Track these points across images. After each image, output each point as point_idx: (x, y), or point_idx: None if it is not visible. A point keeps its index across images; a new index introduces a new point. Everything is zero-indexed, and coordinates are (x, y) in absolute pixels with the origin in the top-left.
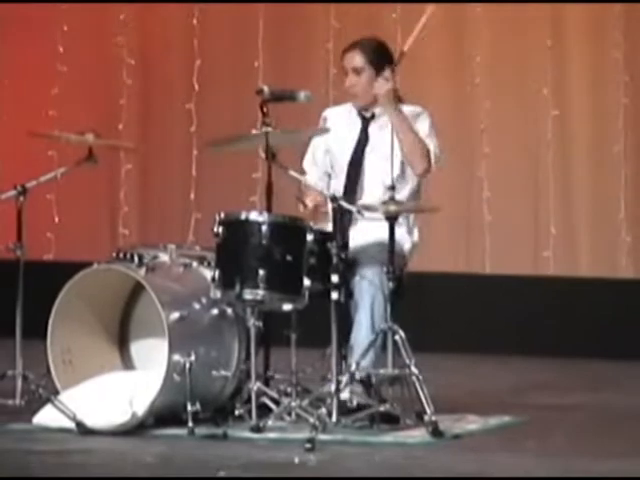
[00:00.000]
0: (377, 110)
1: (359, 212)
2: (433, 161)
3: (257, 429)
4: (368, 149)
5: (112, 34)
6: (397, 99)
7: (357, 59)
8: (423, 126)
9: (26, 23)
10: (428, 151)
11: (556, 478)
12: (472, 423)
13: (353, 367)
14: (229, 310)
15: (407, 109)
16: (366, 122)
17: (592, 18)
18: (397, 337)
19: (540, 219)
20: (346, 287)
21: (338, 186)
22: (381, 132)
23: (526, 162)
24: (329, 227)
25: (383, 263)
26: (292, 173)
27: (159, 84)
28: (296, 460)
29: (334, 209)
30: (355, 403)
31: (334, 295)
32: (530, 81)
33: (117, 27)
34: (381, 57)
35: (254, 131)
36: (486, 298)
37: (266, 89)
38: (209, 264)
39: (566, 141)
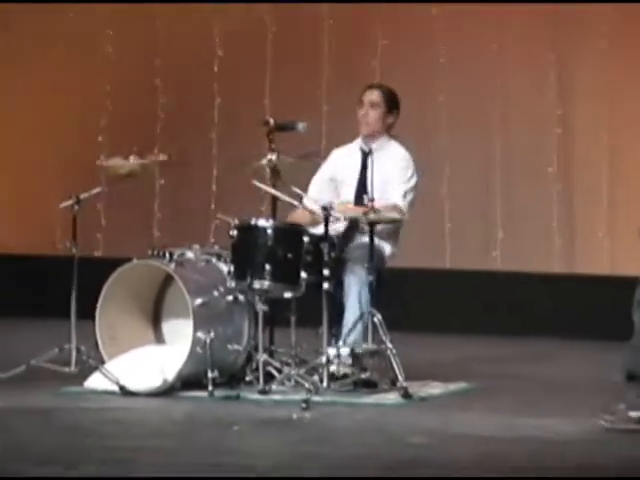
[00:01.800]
0: (374, 146)
1: (345, 219)
2: (405, 209)
3: (263, 392)
4: (368, 176)
5: (151, 77)
6: (390, 137)
7: (376, 95)
8: (406, 173)
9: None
10: (398, 208)
11: (501, 431)
12: (435, 388)
13: (340, 343)
14: (241, 297)
15: (395, 147)
16: (365, 156)
17: (529, 64)
18: (376, 319)
19: (490, 227)
20: (337, 280)
21: (346, 197)
22: (377, 163)
23: (479, 182)
24: (321, 230)
25: (365, 262)
26: (294, 189)
27: (187, 118)
28: (294, 417)
29: (325, 216)
30: (342, 372)
31: (325, 285)
32: (483, 115)
33: (154, 71)
34: (393, 101)
35: (263, 161)
36: (448, 288)
37: (271, 121)
38: (225, 260)
39: (511, 164)
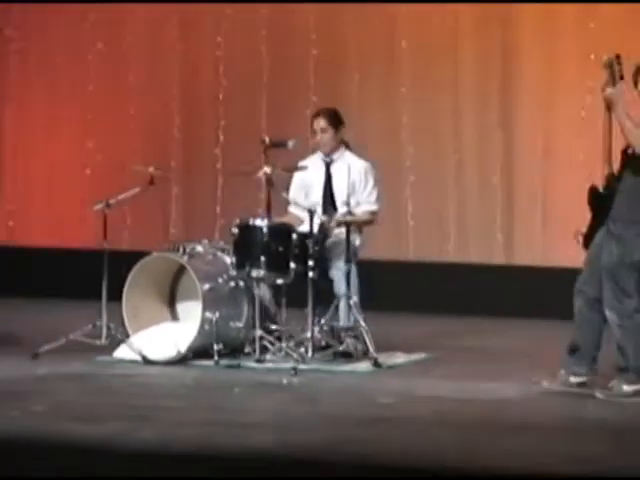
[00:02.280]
0: (334, 157)
1: (327, 219)
2: (377, 209)
3: (259, 361)
4: (333, 181)
5: (169, 104)
6: (346, 147)
7: (322, 122)
8: (369, 182)
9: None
10: (372, 213)
11: (454, 393)
12: (399, 358)
13: (322, 321)
14: (241, 283)
15: (350, 156)
16: (327, 165)
17: (477, 94)
18: (351, 301)
19: (444, 224)
20: (321, 269)
21: (315, 201)
22: (338, 170)
23: (436, 189)
24: (306, 229)
25: (344, 254)
26: (284, 195)
27: (196, 136)
28: (284, 381)
29: (311, 216)
30: (324, 344)
31: (310, 274)
32: (439, 131)
33: (172, 99)
34: (337, 120)
35: (260, 173)
36: (411, 275)
37: (267, 140)
38: (228, 253)
39: (461, 173)
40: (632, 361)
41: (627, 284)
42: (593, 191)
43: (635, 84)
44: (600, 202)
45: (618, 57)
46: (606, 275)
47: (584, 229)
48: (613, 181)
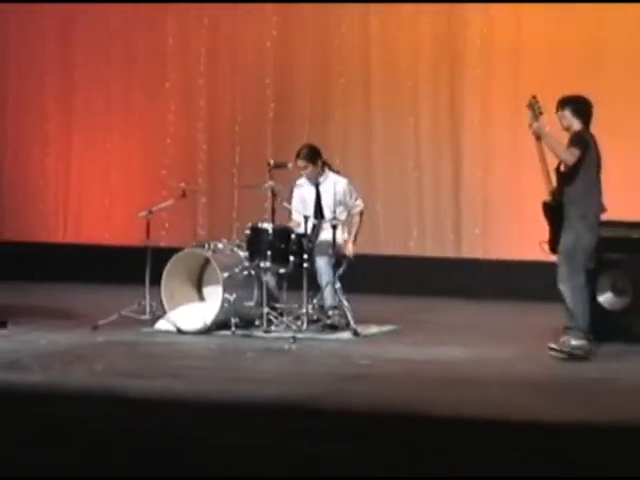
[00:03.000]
0: (320, 180)
1: (318, 223)
2: (363, 209)
3: (266, 331)
4: (322, 197)
5: (195, 134)
6: (329, 169)
7: (302, 162)
8: (353, 192)
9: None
10: (361, 211)
11: (419, 356)
12: (374, 329)
13: (314, 301)
14: (252, 272)
15: (334, 177)
16: (317, 185)
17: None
18: (337, 286)
19: (407, 228)
20: (311, 262)
21: (309, 212)
22: (325, 188)
23: (401, 199)
24: (302, 230)
25: (330, 251)
26: (285, 205)
27: (217, 159)
28: (286, 347)
29: (305, 222)
30: (315, 318)
31: (305, 264)
32: (405, 155)
33: (198, 131)
34: (315, 155)
35: (265, 184)
36: (382, 266)
37: (271, 162)
38: (242, 249)
39: (422, 189)
40: (580, 322)
41: (578, 264)
42: (545, 205)
43: (537, 115)
44: (553, 212)
45: (535, 97)
46: (564, 257)
47: (545, 239)
48: (557, 194)
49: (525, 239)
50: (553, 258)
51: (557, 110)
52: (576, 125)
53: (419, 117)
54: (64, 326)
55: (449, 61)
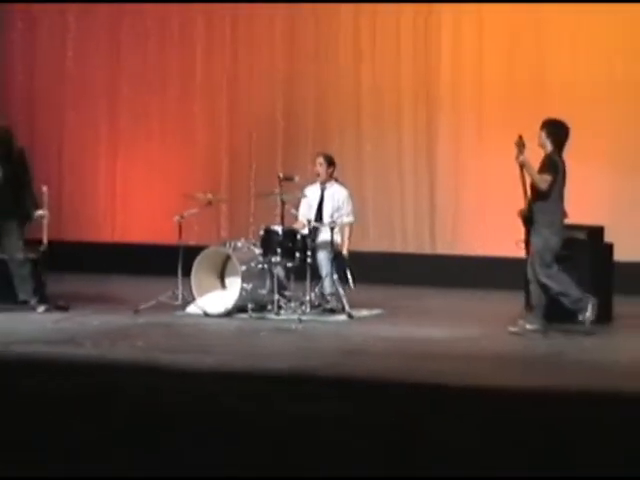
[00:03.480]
0: (327, 186)
1: (319, 225)
2: (352, 222)
3: (277, 314)
4: (324, 201)
5: (217, 151)
6: (335, 181)
7: (321, 159)
8: (349, 205)
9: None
10: (350, 223)
11: (402, 334)
12: (364, 312)
13: (316, 289)
14: (265, 265)
15: (337, 186)
16: (322, 191)
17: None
18: (335, 277)
19: (393, 230)
20: (313, 258)
21: (313, 214)
22: (329, 194)
23: (387, 209)
24: (306, 231)
25: (329, 248)
26: (292, 211)
27: (237, 173)
28: (293, 327)
29: (309, 224)
30: (317, 303)
31: (308, 259)
32: (391, 175)
33: (219, 148)
34: (330, 161)
35: (276, 194)
36: (370, 261)
37: (281, 175)
38: (257, 246)
39: (405, 202)
40: (573, 295)
41: (548, 260)
42: (522, 214)
43: (522, 150)
44: (528, 220)
45: (520, 137)
46: (536, 256)
47: (521, 238)
48: (531, 206)
49: (489, 238)
50: (511, 254)
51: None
52: (548, 147)
53: (401, 140)
54: (112, 310)
55: (425, 96)
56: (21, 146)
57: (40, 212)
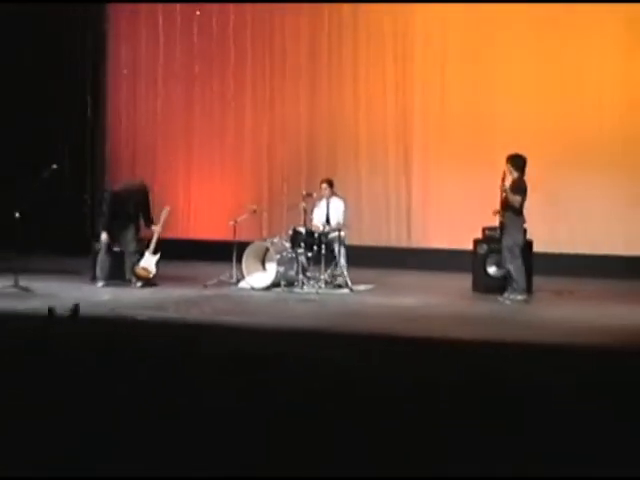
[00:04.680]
0: (331, 200)
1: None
2: (344, 224)
3: (301, 289)
4: (330, 211)
5: (259, 170)
6: (334, 195)
7: (325, 186)
8: (343, 213)
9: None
10: (342, 224)
11: (387, 302)
12: (362, 287)
13: (328, 271)
14: (293, 255)
15: (337, 200)
16: (327, 204)
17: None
18: (341, 261)
19: (383, 228)
20: (326, 249)
21: (323, 219)
22: (332, 206)
23: (375, 215)
24: (320, 231)
25: (337, 242)
26: (310, 217)
27: (273, 190)
28: (312, 297)
29: (323, 227)
30: (329, 281)
31: (322, 251)
32: (378, 186)
33: (259, 170)
34: (331, 184)
35: (301, 207)
36: (366, 251)
37: (304, 192)
38: (288, 241)
39: (389, 209)
40: (519, 284)
41: (516, 253)
42: (496, 213)
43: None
44: (502, 225)
45: (504, 172)
46: (506, 250)
47: (497, 209)
48: (504, 215)
49: (450, 236)
50: (466, 247)
51: (506, 162)
52: (515, 174)
53: (387, 167)
54: (188, 285)
55: (403, 134)
56: (147, 189)
57: (154, 227)
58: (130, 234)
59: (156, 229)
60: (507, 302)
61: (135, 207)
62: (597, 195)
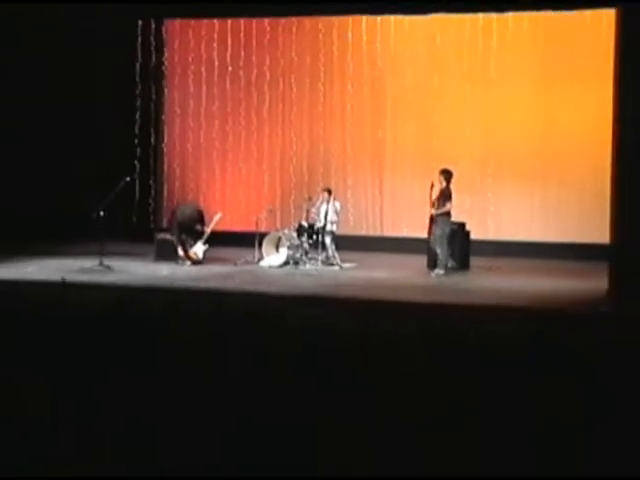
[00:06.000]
0: (328, 201)
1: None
2: (337, 220)
3: (304, 266)
4: (328, 210)
5: (281, 182)
6: (329, 193)
7: (325, 191)
8: (337, 211)
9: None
10: (335, 221)
11: (366, 277)
12: (347, 265)
13: (324, 255)
14: (299, 242)
15: (334, 203)
16: (327, 206)
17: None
18: (332, 248)
19: (363, 221)
20: (323, 238)
21: (322, 216)
22: (330, 206)
23: (358, 211)
24: (319, 225)
25: (331, 235)
26: (313, 215)
27: (284, 196)
28: (313, 273)
29: (321, 222)
30: (324, 261)
31: (320, 239)
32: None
33: (284, 182)
34: (329, 192)
35: (304, 206)
36: (351, 239)
37: (306, 196)
38: (295, 232)
39: (375, 205)
40: (444, 262)
41: (444, 240)
42: (431, 217)
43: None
44: (433, 220)
45: (433, 203)
46: (437, 238)
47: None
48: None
49: (412, 226)
50: (421, 235)
51: (439, 174)
52: (444, 183)
53: (366, 177)
54: (222, 264)
55: (378, 152)
56: (201, 209)
57: (206, 228)
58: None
59: (207, 230)
60: (433, 275)
61: (191, 218)
62: (520, 195)
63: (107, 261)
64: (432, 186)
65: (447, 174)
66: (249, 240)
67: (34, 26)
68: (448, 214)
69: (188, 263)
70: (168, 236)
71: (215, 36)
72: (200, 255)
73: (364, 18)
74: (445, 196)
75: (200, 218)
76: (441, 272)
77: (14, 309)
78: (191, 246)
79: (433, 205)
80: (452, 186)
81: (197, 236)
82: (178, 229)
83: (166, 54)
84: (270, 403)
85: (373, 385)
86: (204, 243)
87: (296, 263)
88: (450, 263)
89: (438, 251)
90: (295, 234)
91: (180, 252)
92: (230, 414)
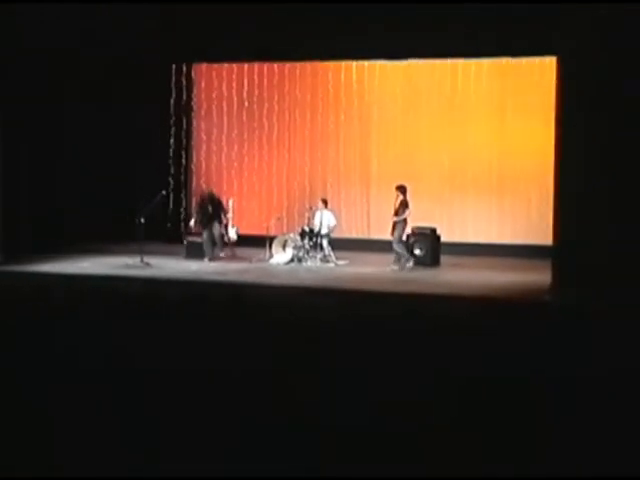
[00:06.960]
0: (325, 210)
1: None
2: (334, 225)
3: (306, 264)
4: (323, 218)
5: (282, 192)
6: (325, 203)
7: (322, 204)
8: (334, 219)
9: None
10: (333, 225)
11: (353, 270)
12: (341, 262)
13: (322, 254)
14: (302, 243)
15: (328, 211)
16: (323, 213)
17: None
18: (328, 248)
19: (351, 226)
20: (320, 241)
21: (318, 223)
22: (326, 215)
23: (349, 216)
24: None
25: (328, 238)
26: (312, 221)
27: (291, 204)
28: (314, 269)
29: (319, 228)
30: (323, 259)
31: (318, 242)
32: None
33: (288, 198)
34: (326, 201)
35: (307, 214)
36: (343, 240)
37: (307, 206)
38: (298, 236)
39: (367, 213)
40: (400, 259)
41: (402, 241)
42: (393, 223)
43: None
44: (394, 225)
45: (396, 211)
46: (396, 240)
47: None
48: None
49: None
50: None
51: (395, 189)
52: (402, 196)
53: (356, 191)
54: (240, 261)
55: (364, 170)
56: (219, 197)
57: (227, 215)
58: (214, 226)
59: (229, 215)
60: (388, 270)
61: (220, 204)
62: (481, 204)
63: (146, 259)
64: (396, 198)
65: (402, 188)
66: (261, 242)
67: (89, 73)
68: (404, 221)
69: (222, 254)
70: (196, 239)
71: (234, 77)
72: (233, 237)
73: (354, 63)
74: (403, 206)
75: (223, 208)
76: (396, 267)
77: (78, 299)
78: (208, 222)
79: (396, 213)
80: (408, 197)
81: (215, 217)
82: (209, 199)
83: (195, 91)
84: (282, 366)
85: (365, 356)
86: (232, 226)
87: (299, 261)
88: (411, 262)
89: (397, 248)
90: (299, 237)
91: (192, 222)
92: (261, 376)
